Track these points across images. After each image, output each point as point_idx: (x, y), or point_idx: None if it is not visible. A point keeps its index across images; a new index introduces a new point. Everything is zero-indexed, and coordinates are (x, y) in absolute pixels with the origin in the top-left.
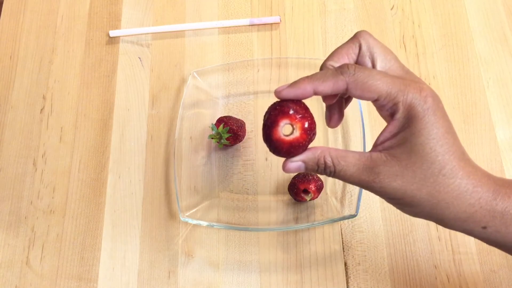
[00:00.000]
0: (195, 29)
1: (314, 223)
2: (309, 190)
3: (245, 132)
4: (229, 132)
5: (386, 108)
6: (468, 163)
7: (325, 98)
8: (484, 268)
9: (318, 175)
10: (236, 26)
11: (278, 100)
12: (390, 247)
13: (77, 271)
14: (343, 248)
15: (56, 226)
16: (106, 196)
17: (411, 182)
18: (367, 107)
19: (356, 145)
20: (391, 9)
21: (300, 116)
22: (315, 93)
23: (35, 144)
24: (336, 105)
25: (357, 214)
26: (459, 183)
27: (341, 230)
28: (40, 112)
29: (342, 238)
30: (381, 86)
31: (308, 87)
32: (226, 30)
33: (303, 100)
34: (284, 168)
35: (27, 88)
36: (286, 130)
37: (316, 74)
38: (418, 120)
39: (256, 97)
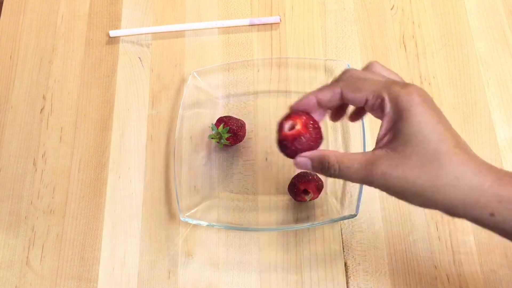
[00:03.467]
0: (195, 29)
1: (314, 223)
2: (309, 190)
3: (245, 132)
4: (229, 132)
5: (376, 107)
6: (464, 151)
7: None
8: (484, 268)
9: (319, 175)
10: (236, 26)
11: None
12: (390, 247)
13: (77, 271)
14: (343, 248)
15: (56, 226)
16: (106, 196)
17: (410, 169)
18: None
19: (356, 145)
20: (391, 9)
21: (301, 115)
22: (318, 102)
23: (35, 144)
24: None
25: (357, 214)
26: (455, 169)
27: (341, 230)
28: (40, 112)
29: (342, 238)
30: (369, 86)
31: (310, 97)
32: (226, 30)
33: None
34: (294, 162)
35: (27, 88)
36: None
37: (318, 88)
38: (406, 111)
39: (256, 97)
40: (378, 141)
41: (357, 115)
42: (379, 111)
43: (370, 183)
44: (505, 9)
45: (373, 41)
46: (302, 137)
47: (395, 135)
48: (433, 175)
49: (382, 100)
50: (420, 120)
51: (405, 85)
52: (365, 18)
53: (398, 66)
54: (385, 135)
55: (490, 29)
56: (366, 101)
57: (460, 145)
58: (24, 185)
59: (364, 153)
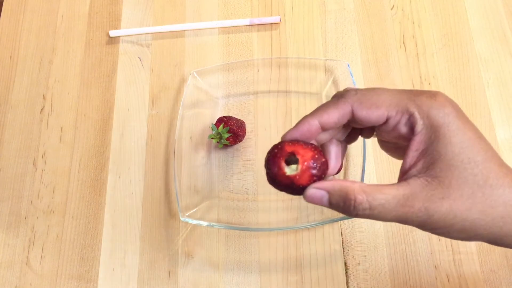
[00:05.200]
0: (195, 29)
1: (314, 223)
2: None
3: (245, 132)
4: (229, 132)
5: (402, 125)
6: (509, 167)
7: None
8: (484, 268)
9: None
10: (236, 26)
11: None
12: (390, 247)
13: (77, 271)
14: (343, 248)
15: (56, 226)
16: (106, 196)
17: (459, 202)
18: None
19: (356, 147)
20: (391, 9)
21: (300, 146)
22: (322, 127)
23: (35, 144)
24: (333, 148)
25: None
26: (509, 192)
27: (341, 230)
28: (40, 112)
29: (342, 238)
30: (388, 99)
31: (311, 121)
32: (226, 30)
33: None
34: (305, 195)
35: (27, 88)
36: (290, 167)
37: (317, 108)
38: (445, 128)
39: (256, 97)
40: (409, 168)
41: (353, 136)
42: (405, 130)
43: (408, 222)
44: (505, 9)
45: (373, 41)
46: (314, 177)
47: (433, 159)
48: (487, 206)
49: (411, 116)
50: (461, 138)
51: (432, 94)
52: (365, 18)
53: (398, 66)
54: (418, 160)
55: (490, 29)
56: (387, 119)
57: (503, 163)
58: (24, 185)
59: (398, 185)
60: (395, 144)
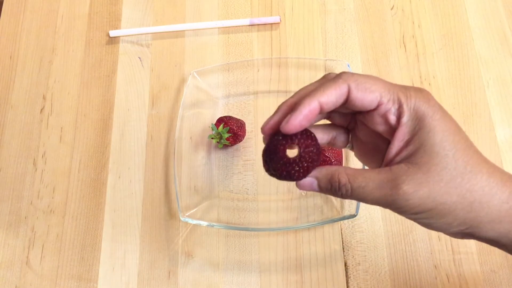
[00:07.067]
0: (195, 29)
1: (314, 223)
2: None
3: (245, 132)
4: (229, 132)
5: (390, 114)
6: (487, 161)
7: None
8: (484, 268)
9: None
10: (236, 26)
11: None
12: (390, 247)
13: (77, 271)
14: (343, 248)
15: (56, 226)
16: (106, 196)
17: (438, 186)
18: None
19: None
20: (391, 9)
21: (300, 140)
22: (321, 108)
23: (35, 144)
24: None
25: (357, 214)
26: (487, 178)
27: (341, 230)
28: (40, 112)
29: (342, 238)
30: (382, 85)
31: (312, 103)
32: (226, 30)
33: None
34: (297, 184)
35: (27, 88)
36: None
37: (314, 89)
38: (429, 118)
39: (256, 97)
40: (394, 155)
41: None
42: (392, 119)
43: (388, 205)
44: (505, 9)
45: (373, 41)
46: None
47: (415, 147)
48: (465, 189)
49: (400, 106)
50: (444, 127)
51: (419, 89)
52: (365, 18)
53: (398, 66)
54: (402, 149)
55: (490, 29)
56: (378, 105)
57: (480, 152)
58: (24, 185)
59: (380, 170)
60: (373, 144)
